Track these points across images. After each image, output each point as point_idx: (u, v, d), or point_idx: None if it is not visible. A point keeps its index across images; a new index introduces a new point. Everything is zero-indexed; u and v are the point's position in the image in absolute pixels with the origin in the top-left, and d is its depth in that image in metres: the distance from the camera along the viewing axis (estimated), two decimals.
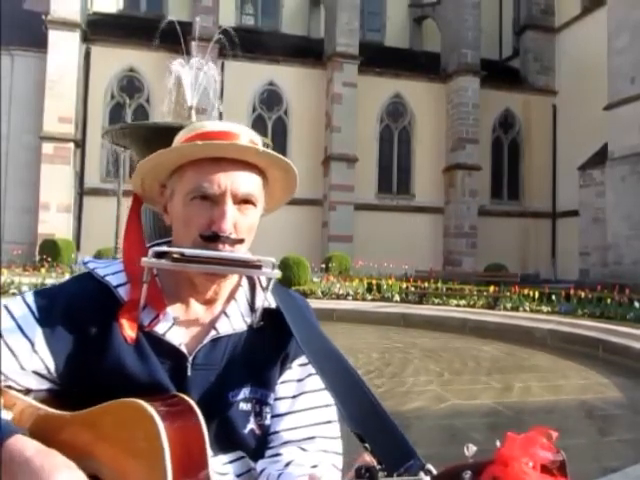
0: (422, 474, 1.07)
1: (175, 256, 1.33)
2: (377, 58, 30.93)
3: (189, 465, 1.20)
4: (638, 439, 5.60)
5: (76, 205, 27.33)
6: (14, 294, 13.02)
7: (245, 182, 1.40)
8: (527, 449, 0.98)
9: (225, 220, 1.36)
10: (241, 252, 1.41)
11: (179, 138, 1.48)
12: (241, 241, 1.40)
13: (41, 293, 1.44)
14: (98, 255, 20.16)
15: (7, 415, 1.30)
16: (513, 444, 0.98)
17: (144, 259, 1.35)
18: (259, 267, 1.39)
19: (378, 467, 1.11)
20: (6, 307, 1.39)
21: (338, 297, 16.27)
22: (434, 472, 1.06)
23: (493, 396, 7.06)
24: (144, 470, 1.20)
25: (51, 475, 1.17)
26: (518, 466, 0.96)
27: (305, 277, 18.85)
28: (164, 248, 1.37)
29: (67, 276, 16.46)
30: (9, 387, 1.37)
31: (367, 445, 1.18)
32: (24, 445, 1.22)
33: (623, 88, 22.43)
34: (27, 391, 1.39)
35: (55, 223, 25.85)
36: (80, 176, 27.74)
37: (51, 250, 23.06)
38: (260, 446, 1.47)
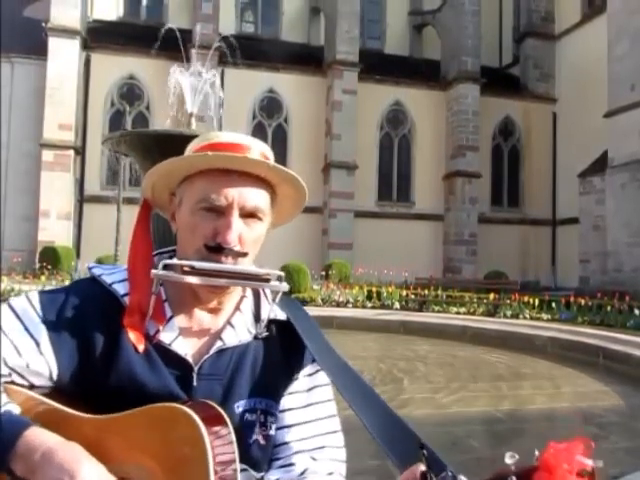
0: None
1: (185, 269, 1.34)
2: (377, 65, 30.97)
3: (223, 467, 1.22)
4: (638, 446, 5.59)
5: (76, 212, 27.34)
6: None
7: (253, 196, 1.41)
8: (569, 457, 1.01)
9: (230, 232, 1.37)
10: (245, 265, 1.41)
11: (191, 147, 1.49)
12: (245, 254, 1.41)
13: (46, 294, 1.43)
14: (98, 263, 20.17)
15: (16, 409, 1.29)
16: (557, 452, 1.01)
17: (153, 271, 1.36)
18: (267, 280, 1.42)
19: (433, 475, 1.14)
20: (9, 304, 1.39)
21: (338, 304, 16.25)
22: None
23: (493, 403, 7.05)
24: (185, 474, 1.21)
25: (76, 466, 1.17)
26: (562, 473, 1.00)
27: (305, 284, 18.85)
28: (174, 260, 1.37)
29: (67, 283, 16.44)
30: (12, 382, 1.35)
31: (425, 452, 1.19)
32: (44, 436, 1.22)
33: (623, 95, 22.44)
34: (31, 386, 1.37)
35: (55, 230, 25.87)
36: (80, 183, 27.76)
37: (51, 257, 23.07)
38: (263, 457, 1.47)
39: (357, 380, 1.46)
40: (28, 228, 26.26)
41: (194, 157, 1.41)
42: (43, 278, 18.84)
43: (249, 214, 1.40)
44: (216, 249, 1.37)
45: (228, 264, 1.37)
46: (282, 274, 1.44)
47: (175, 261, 1.37)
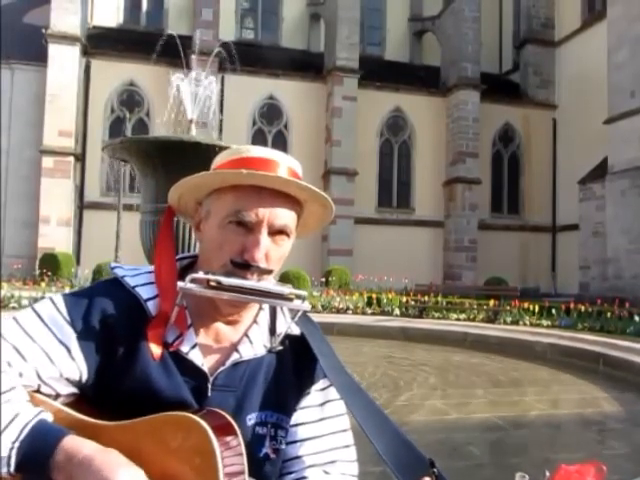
0: None
1: (212, 283, 1.34)
2: (377, 72, 31.02)
3: (233, 478, 1.23)
4: (638, 453, 5.58)
5: (76, 219, 27.35)
6: (14, 308, 13.04)
7: (282, 214, 1.42)
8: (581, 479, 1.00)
9: (258, 250, 1.37)
10: (269, 281, 1.42)
11: (220, 160, 1.49)
12: (270, 272, 1.41)
13: (71, 297, 1.43)
14: (98, 269, 20.17)
15: (50, 417, 1.28)
16: (567, 474, 1.01)
17: (180, 284, 1.36)
18: (291, 299, 1.42)
19: None
20: (35, 310, 1.38)
21: (338, 311, 16.19)
22: None
23: (493, 410, 7.03)
24: None
25: (115, 471, 1.17)
26: None
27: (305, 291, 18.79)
28: (201, 274, 1.36)
29: (67, 290, 16.43)
30: (37, 391, 1.35)
31: (435, 470, 1.20)
32: (81, 444, 1.22)
33: (623, 102, 22.49)
34: (56, 395, 1.37)
35: (55, 237, 25.87)
36: (80, 190, 27.77)
37: (51, 264, 23.06)
38: (273, 472, 1.48)
39: (367, 400, 1.47)
40: (28, 234, 26.27)
41: (228, 174, 1.41)
42: (43, 285, 18.80)
43: (277, 231, 1.41)
44: (242, 265, 1.38)
45: (253, 280, 1.38)
46: (305, 293, 1.45)
47: (203, 275, 1.36)
